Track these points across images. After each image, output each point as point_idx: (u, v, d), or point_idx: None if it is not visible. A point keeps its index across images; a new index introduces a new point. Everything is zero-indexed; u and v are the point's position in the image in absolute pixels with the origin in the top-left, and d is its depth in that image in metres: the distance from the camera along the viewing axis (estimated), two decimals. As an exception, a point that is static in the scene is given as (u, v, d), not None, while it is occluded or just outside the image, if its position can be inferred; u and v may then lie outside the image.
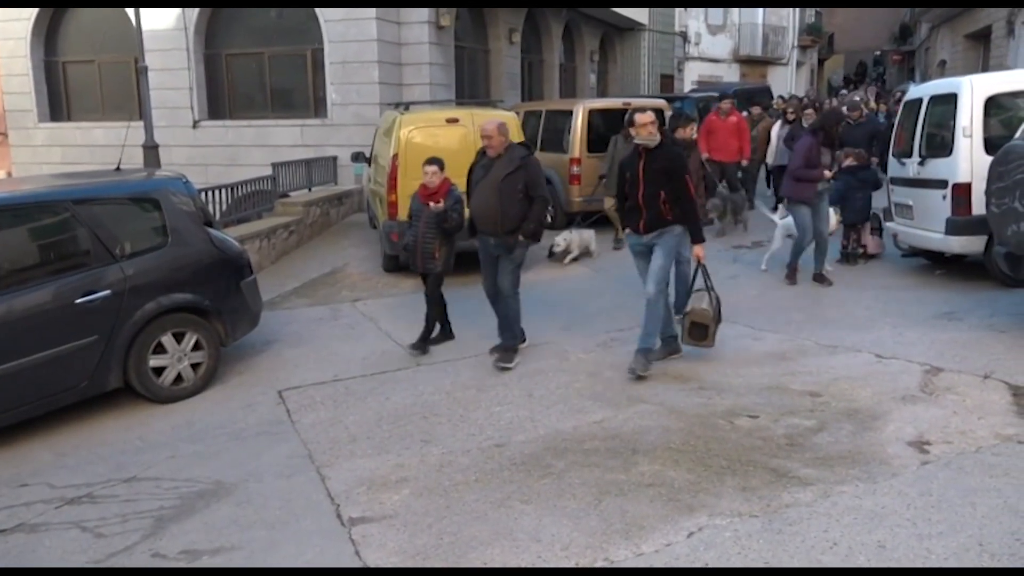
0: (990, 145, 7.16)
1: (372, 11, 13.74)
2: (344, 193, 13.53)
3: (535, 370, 6.13)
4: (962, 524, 3.54)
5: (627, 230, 6.11)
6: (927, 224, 7.92)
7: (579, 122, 11.63)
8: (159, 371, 6.12)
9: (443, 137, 9.22)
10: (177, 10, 14.82)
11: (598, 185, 11.01)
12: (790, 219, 8.44)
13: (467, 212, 6.47)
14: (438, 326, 7.03)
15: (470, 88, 16.53)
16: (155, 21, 14.60)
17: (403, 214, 7.93)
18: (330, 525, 4.03)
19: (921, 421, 4.68)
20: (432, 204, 6.54)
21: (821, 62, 42.57)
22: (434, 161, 6.68)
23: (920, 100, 8.31)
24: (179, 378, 6.23)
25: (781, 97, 18.54)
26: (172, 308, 6.17)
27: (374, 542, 3.81)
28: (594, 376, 5.88)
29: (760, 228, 11.41)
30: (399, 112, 9.65)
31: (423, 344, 6.82)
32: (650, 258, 5.85)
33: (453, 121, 9.33)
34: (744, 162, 12.32)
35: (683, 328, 6.01)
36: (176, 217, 6.37)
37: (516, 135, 9.07)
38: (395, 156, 9.15)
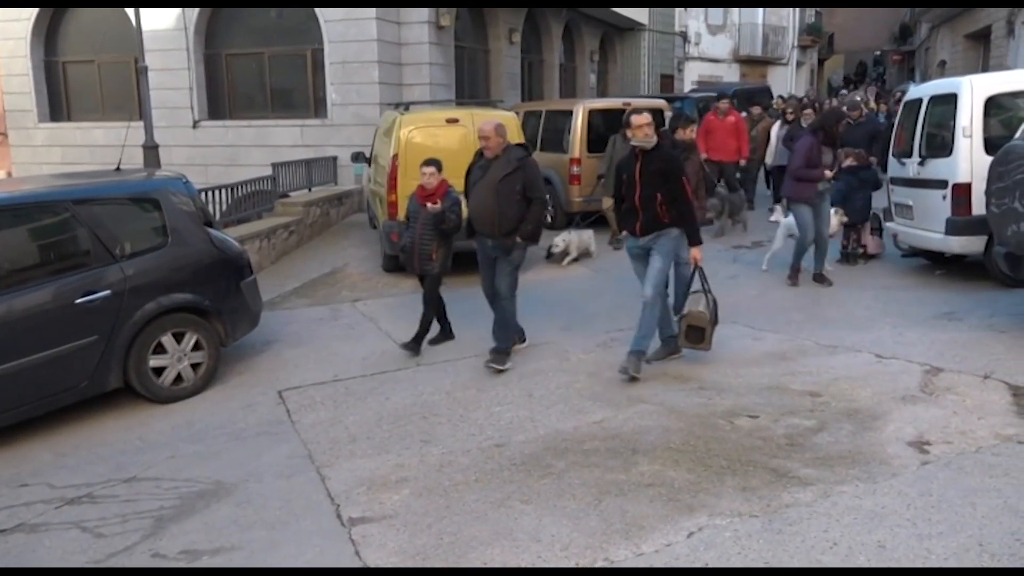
0: (990, 145, 7.16)
1: (372, 11, 13.75)
2: (344, 193, 13.53)
3: (535, 370, 6.13)
4: (962, 524, 3.54)
5: (624, 232, 6.07)
6: (927, 224, 7.92)
7: (579, 122, 11.64)
8: (159, 371, 6.12)
9: (443, 137, 9.23)
10: (177, 10, 14.83)
11: (597, 185, 11.01)
12: (791, 219, 8.43)
13: (465, 213, 6.46)
14: (438, 326, 7.03)
15: (470, 88, 16.53)
16: (155, 21, 14.61)
17: (403, 214, 7.92)
18: (330, 525, 4.03)
19: (921, 421, 4.68)
20: (430, 205, 6.52)
21: (821, 62, 42.57)
22: (432, 162, 6.66)
23: (920, 100, 8.31)
24: (179, 378, 6.23)
25: (781, 97, 18.54)
26: (172, 308, 6.17)
27: (374, 542, 3.81)
28: (594, 376, 5.88)
29: (760, 228, 11.42)
30: (399, 112, 9.66)
31: (416, 344, 6.76)
32: (647, 261, 5.82)
33: (453, 121, 9.33)
34: (742, 162, 12.32)
35: (679, 331, 5.99)
36: (176, 217, 6.37)
37: (516, 135, 9.08)
38: (395, 156, 9.15)
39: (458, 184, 6.68)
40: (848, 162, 8.62)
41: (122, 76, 15.91)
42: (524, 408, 5.37)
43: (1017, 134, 6.50)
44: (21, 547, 4.14)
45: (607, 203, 9.98)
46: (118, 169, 6.99)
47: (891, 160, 8.80)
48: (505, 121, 8.62)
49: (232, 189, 10.82)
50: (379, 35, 13.88)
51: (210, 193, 9.92)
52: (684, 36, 29.74)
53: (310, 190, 13.15)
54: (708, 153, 11.76)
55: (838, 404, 5.04)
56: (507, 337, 6.34)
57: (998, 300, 7.10)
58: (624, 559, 3.49)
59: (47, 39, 16.47)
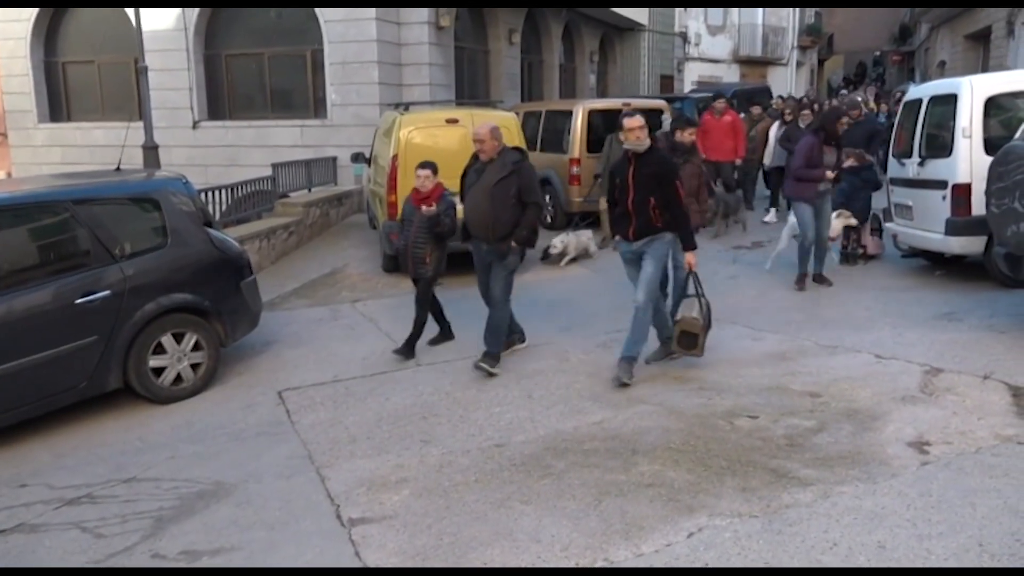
0: (990, 146, 7.16)
1: (372, 11, 13.75)
2: (344, 194, 13.53)
3: (535, 371, 6.13)
4: (962, 525, 3.54)
5: (617, 237, 5.96)
6: (927, 225, 7.92)
7: (579, 122, 11.65)
8: (159, 371, 6.12)
9: (443, 138, 9.23)
10: (177, 10, 14.83)
11: (594, 185, 11.01)
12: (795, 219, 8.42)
13: (460, 216, 6.42)
14: (437, 327, 7.03)
15: (470, 89, 16.53)
16: (155, 21, 14.61)
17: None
18: (330, 526, 4.03)
19: (921, 422, 4.68)
20: (424, 208, 6.46)
21: (821, 63, 42.58)
22: (427, 165, 6.59)
23: (920, 101, 8.31)
24: (179, 378, 6.23)
25: (780, 97, 18.52)
26: (172, 308, 6.17)
27: (374, 543, 3.81)
28: (594, 377, 5.88)
29: (760, 228, 11.43)
30: (399, 112, 9.66)
31: (408, 349, 6.72)
32: (640, 265, 5.74)
33: (453, 122, 9.33)
34: (738, 161, 12.27)
35: (673, 336, 5.89)
36: (176, 218, 6.37)
37: (516, 136, 9.08)
38: (395, 157, 9.16)
39: (456, 186, 6.65)
40: (849, 162, 8.61)
41: (122, 76, 15.91)
42: (524, 408, 5.37)
43: (1017, 134, 6.50)
44: (21, 547, 4.14)
45: (603, 203, 9.98)
46: (118, 169, 6.99)
47: (891, 160, 8.80)
48: (505, 122, 8.67)
49: (232, 189, 10.82)
50: (379, 35, 13.89)
51: (210, 193, 9.93)
52: (684, 37, 29.75)
53: (310, 190, 13.15)
54: (705, 153, 11.73)
55: (838, 404, 5.04)
56: (498, 342, 6.21)
57: (998, 300, 7.09)
58: (624, 559, 3.49)
59: (47, 39, 16.47)
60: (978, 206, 7.11)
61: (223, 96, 15.54)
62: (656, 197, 5.59)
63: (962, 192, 7.41)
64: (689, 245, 5.74)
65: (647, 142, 5.66)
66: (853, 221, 8.80)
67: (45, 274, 5.67)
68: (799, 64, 35.41)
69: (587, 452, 4.59)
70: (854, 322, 6.90)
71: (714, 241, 10.51)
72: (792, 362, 5.95)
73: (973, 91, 7.47)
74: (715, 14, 31.28)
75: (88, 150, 15.57)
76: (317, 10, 14.12)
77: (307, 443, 5.12)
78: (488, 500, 4.10)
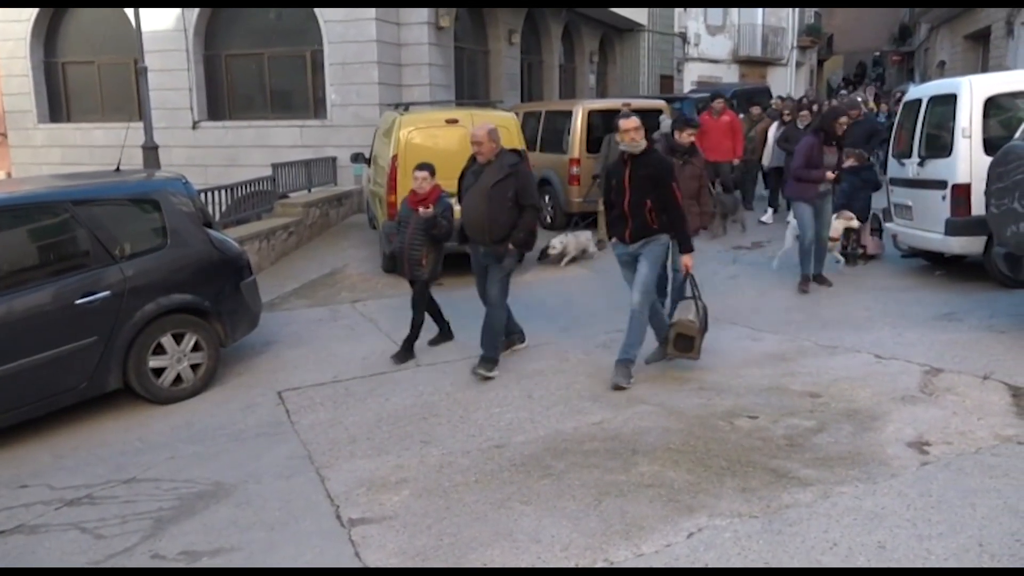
0: (989, 146, 7.16)
1: (372, 12, 13.75)
2: (344, 194, 13.54)
3: (534, 371, 6.13)
4: (962, 525, 3.54)
5: (613, 239, 5.92)
6: (927, 225, 7.92)
7: (578, 123, 11.65)
8: (159, 372, 6.12)
9: (443, 138, 9.23)
10: (177, 11, 14.83)
11: (592, 185, 11.01)
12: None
13: (458, 218, 6.40)
14: (436, 327, 7.03)
15: (470, 89, 16.54)
16: (155, 22, 14.61)
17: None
18: (330, 526, 4.03)
19: (921, 422, 4.68)
20: (421, 210, 6.43)
21: (820, 63, 42.58)
22: (424, 167, 6.56)
23: (919, 101, 8.32)
24: (179, 379, 6.23)
25: (780, 97, 18.52)
26: (172, 309, 6.17)
27: (374, 543, 3.80)
28: (594, 377, 5.88)
29: (760, 228, 11.44)
30: (399, 113, 9.66)
31: (405, 352, 6.70)
32: (636, 268, 5.70)
33: (453, 122, 9.33)
34: (735, 161, 12.25)
35: (668, 339, 5.85)
36: (176, 218, 6.37)
37: (516, 136, 9.08)
38: (395, 157, 9.15)
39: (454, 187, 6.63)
40: (849, 163, 8.61)
41: (122, 77, 15.92)
42: (524, 409, 5.37)
43: (1017, 134, 6.50)
44: (21, 548, 4.14)
45: (601, 204, 9.97)
46: (118, 170, 6.99)
47: (891, 161, 8.80)
48: (505, 122, 8.66)
49: (232, 190, 10.82)
50: (378, 36, 13.89)
51: (210, 194, 9.93)
52: (683, 37, 29.75)
53: (310, 191, 13.15)
54: (703, 153, 11.71)
55: (838, 405, 5.04)
56: (493, 344, 6.17)
57: (998, 300, 7.10)
58: (624, 560, 3.49)
59: (47, 40, 16.48)
60: (978, 206, 7.12)
61: (223, 96, 15.54)
62: (652, 199, 5.56)
63: (962, 192, 7.41)
64: (686, 247, 5.72)
65: (643, 143, 5.62)
66: (855, 223, 8.79)
67: (45, 275, 5.67)
68: (799, 64, 35.42)
69: (587, 452, 4.59)
70: (854, 322, 6.90)
71: (712, 242, 10.51)
72: (792, 362, 5.95)
73: (973, 91, 7.47)
74: (715, 14, 31.28)
75: (88, 150, 15.58)
76: (317, 10, 14.12)
77: (307, 443, 5.11)
78: (488, 500, 4.10)
